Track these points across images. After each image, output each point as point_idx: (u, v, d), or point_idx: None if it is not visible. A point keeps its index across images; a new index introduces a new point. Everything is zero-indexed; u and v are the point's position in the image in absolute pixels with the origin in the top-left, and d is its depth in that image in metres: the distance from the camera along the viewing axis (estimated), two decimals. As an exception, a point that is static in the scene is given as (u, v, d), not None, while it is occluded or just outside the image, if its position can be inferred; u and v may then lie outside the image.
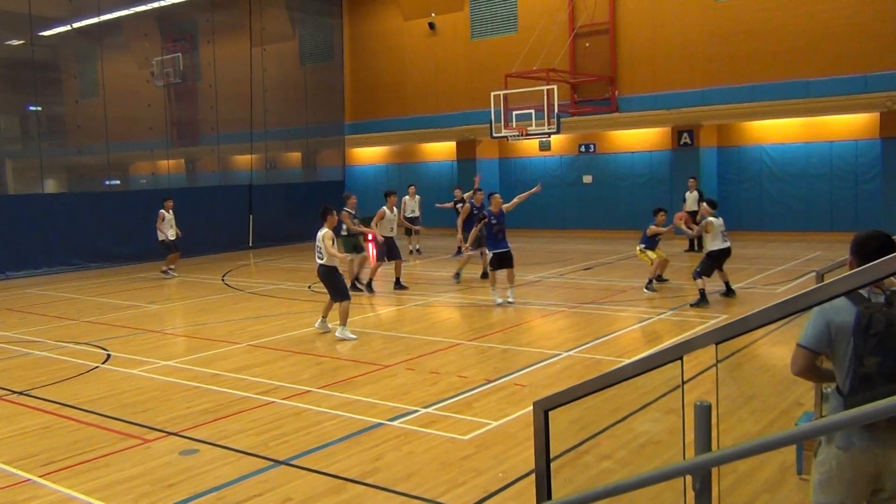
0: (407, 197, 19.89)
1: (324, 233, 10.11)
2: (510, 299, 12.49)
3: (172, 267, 17.74)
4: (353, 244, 14.35)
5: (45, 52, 22.20)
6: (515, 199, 13.42)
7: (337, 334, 10.30)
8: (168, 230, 17.38)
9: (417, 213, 20.12)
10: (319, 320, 10.73)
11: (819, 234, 20.71)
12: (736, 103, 20.45)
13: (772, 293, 12.67)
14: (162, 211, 17.43)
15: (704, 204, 12.36)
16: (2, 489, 5.54)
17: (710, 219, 11.74)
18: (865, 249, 3.38)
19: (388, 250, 14.37)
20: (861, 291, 3.30)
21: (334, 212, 10.47)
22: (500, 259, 12.48)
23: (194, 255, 18.69)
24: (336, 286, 10.25)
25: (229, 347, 10.15)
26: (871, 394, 3.11)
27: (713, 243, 11.71)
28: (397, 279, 14.46)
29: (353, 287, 13.72)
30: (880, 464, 3.23)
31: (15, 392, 8.21)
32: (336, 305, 10.32)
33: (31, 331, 11.83)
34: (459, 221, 16.22)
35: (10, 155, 21.93)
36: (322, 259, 10.17)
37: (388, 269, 15.06)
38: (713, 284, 12.25)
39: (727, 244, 11.80)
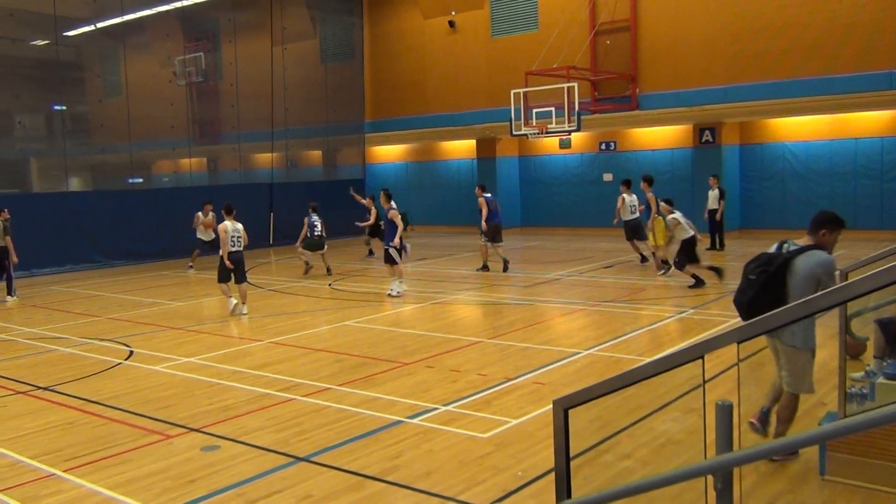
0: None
1: (241, 226, 12.38)
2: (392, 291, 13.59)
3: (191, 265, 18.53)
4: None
5: (69, 51, 22.44)
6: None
7: (244, 311, 12.28)
8: (204, 232, 18.10)
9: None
10: (242, 306, 12.34)
11: (843, 233, 20.46)
12: (759, 100, 20.25)
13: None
14: (198, 213, 18.12)
15: (663, 203, 13.79)
16: (27, 483, 5.62)
17: (672, 216, 13.31)
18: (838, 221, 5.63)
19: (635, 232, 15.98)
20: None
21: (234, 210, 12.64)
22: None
23: (215, 252, 18.91)
24: (245, 271, 12.51)
25: (250, 344, 10.22)
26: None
27: (683, 235, 13.06)
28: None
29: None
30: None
31: (40, 388, 8.32)
32: (242, 286, 12.45)
33: (56, 327, 11.98)
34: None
35: (36, 154, 22.20)
36: (239, 247, 12.29)
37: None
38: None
39: (692, 233, 13.10)
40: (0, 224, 14.55)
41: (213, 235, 17.89)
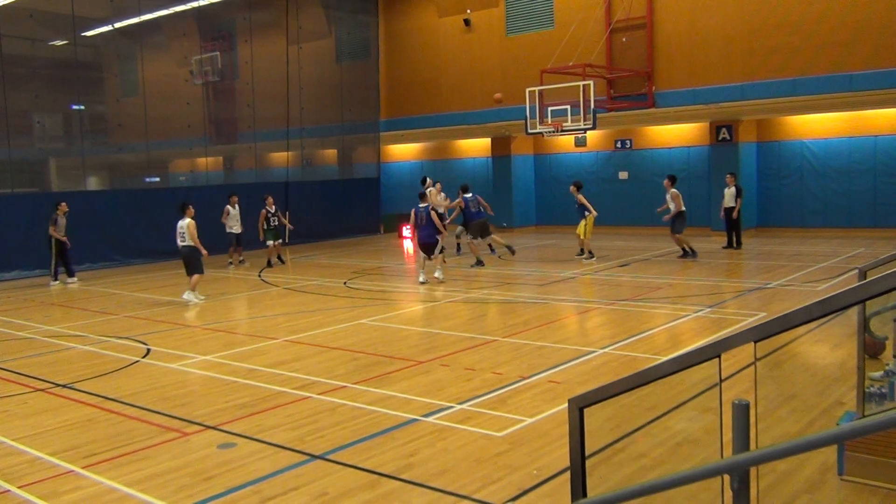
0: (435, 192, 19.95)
1: (187, 222, 13.43)
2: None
3: (242, 259, 19.20)
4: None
5: (87, 52, 22.61)
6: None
7: (184, 296, 13.70)
8: (233, 224, 18.85)
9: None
10: (188, 292, 13.72)
11: (862, 231, 20.30)
12: (776, 98, 20.08)
13: (812, 291, 12.46)
14: (227, 206, 18.81)
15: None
16: (46, 480, 5.68)
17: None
18: None
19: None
20: None
21: (190, 205, 13.80)
22: None
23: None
24: (195, 263, 13.57)
25: (266, 343, 10.27)
26: None
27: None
28: None
29: None
30: None
31: (59, 385, 8.40)
32: (193, 278, 13.69)
33: (74, 325, 12.09)
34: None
35: (54, 153, 22.40)
36: (185, 242, 13.45)
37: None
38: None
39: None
40: (62, 215, 16.70)
41: (241, 229, 19.04)
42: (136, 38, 22.43)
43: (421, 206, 14.97)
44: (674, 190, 17.13)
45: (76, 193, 20.24)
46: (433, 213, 14.70)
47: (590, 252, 17.61)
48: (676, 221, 17.16)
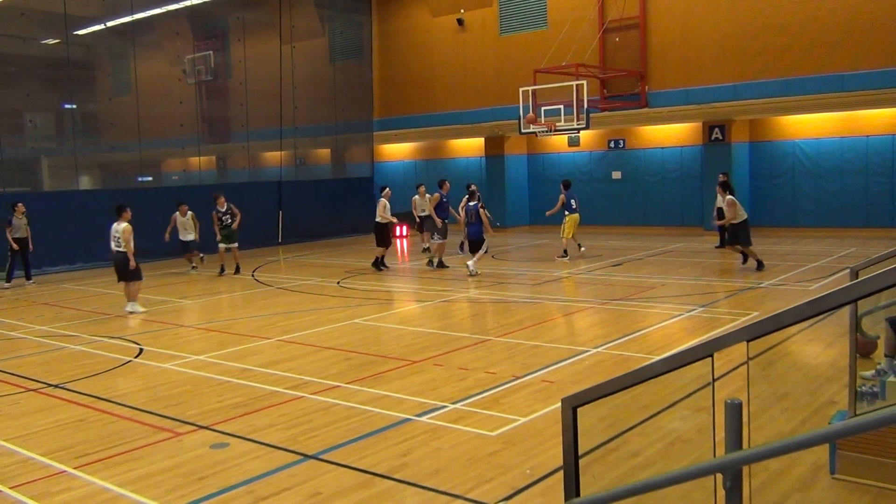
0: (417, 196, 19.71)
1: (123, 227, 12.46)
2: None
3: (194, 265, 18.34)
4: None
5: (79, 50, 22.54)
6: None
7: (126, 308, 12.68)
8: (181, 232, 17.83)
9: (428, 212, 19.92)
10: (130, 303, 12.75)
11: (854, 231, 20.38)
12: (769, 98, 20.15)
13: (805, 290, 12.50)
14: (176, 214, 17.85)
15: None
16: (37, 480, 5.65)
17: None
18: None
19: None
20: None
21: (127, 208, 12.77)
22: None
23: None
24: (130, 270, 12.53)
25: (259, 342, 10.25)
26: None
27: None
28: None
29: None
30: None
31: (51, 385, 8.37)
32: (130, 285, 12.73)
33: (67, 325, 12.05)
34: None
35: (46, 152, 22.32)
36: (120, 247, 12.45)
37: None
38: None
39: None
40: (23, 215, 16.50)
41: (194, 237, 17.98)
42: (129, 37, 22.37)
43: (471, 203, 15.60)
44: (730, 197, 14.94)
45: (68, 192, 20.18)
46: (482, 212, 15.42)
47: (564, 251, 17.67)
48: (741, 233, 14.83)
